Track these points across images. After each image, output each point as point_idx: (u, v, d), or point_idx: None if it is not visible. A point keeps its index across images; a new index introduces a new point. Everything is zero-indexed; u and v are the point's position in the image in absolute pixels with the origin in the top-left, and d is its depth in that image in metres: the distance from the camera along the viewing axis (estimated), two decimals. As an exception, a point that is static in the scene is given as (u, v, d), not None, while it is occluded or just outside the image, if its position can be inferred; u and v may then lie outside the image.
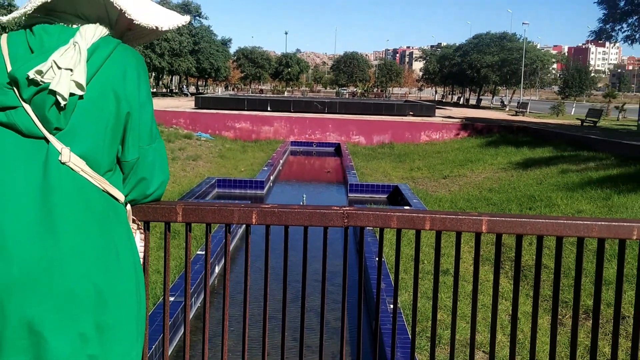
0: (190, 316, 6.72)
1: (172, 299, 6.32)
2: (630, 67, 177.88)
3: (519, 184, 14.99)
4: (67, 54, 1.58)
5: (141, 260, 1.82)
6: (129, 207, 1.82)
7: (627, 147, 17.15)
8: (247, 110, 30.32)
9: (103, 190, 1.65)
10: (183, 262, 7.96)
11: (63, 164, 1.58)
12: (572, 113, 42.37)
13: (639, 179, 12.90)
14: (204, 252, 8.03)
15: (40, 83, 1.55)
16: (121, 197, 1.72)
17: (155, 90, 59.61)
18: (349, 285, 2.33)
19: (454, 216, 2.08)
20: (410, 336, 2.35)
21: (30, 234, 1.53)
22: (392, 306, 2.27)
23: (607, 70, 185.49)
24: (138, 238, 1.85)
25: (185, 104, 35.51)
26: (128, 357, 1.66)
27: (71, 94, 1.57)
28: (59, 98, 1.55)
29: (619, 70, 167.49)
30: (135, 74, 1.70)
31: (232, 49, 74.34)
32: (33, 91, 1.56)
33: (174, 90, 61.19)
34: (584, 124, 28.56)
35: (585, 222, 2.05)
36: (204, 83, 76.37)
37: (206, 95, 43.91)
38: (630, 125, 30.94)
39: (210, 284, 2.23)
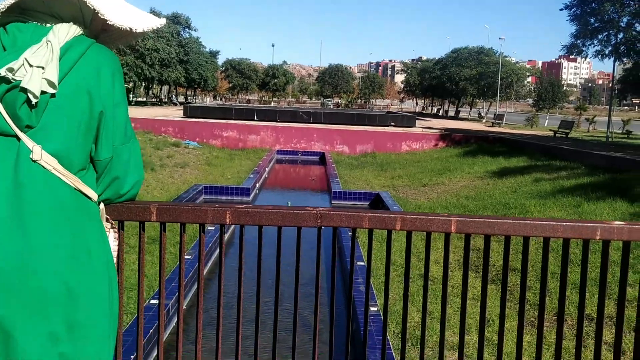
0: (166, 311, 6.96)
1: (154, 301, 6.35)
2: (600, 81, 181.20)
3: (495, 192, 15.70)
4: (39, 52, 1.58)
5: (115, 259, 1.81)
6: (102, 206, 1.81)
7: (596, 157, 17.95)
8: (234, 119, 30.81)
9: (75, 189, 1.64)
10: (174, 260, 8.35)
11: (34, 162, 1.56)
12: (546, 124, 43.59)
13: (607, 187, 13.52)
14: (189, 256, 7.97)
15: (12, 81, 1.55)
16: (94, 195, 1.71)
17: (145, 99, 59.86)
18: (328, 286, 2.62)
19: (424, 217, 2.13)
20: (383, 337, 2.37)
21: (0, 232, 1.51)
22: (372, 308, 2.32)
23: (578, 84, 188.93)
24: (112, 237, 1.84)
25: (174, 113, 35.95)
26: (100, 355, 1.65)
27: (43, 92, 1.56)
28: (30, 96, 1.54)
29: (590, 85, 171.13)
30: (110, 73, 1.69)
31: (220, 60, 75.17)
32: (4, 89, 1.56)
33: (163, 100, 61.57)
34: (557, 135, 29.54)
35: (551, 223, 2.12)
36: (192, 93, 76.85)
37: (194, 104, 44.46)
38: (599, 136, 32.02)
39: (187, 283, 2.31)
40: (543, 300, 2.24)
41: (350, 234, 2.31)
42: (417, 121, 35.31)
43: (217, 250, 10.52)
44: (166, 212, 2.12)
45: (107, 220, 1.84)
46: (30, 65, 1.55)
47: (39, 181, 1.57)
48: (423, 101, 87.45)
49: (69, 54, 1.61)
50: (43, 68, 1.55)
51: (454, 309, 6.93)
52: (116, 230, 1.91)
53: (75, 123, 1.62)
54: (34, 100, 1.55)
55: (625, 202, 11.96)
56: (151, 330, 5.74)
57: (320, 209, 2.17)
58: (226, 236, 10.06)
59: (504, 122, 42.00)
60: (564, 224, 2.15)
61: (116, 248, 1.87)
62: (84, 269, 1.60)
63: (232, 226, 10.71)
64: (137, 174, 1.88)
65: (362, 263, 8.60)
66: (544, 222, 2.15)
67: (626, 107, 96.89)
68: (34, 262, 1.52)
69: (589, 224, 2.16)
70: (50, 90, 1.57)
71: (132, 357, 4.97)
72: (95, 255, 1.65)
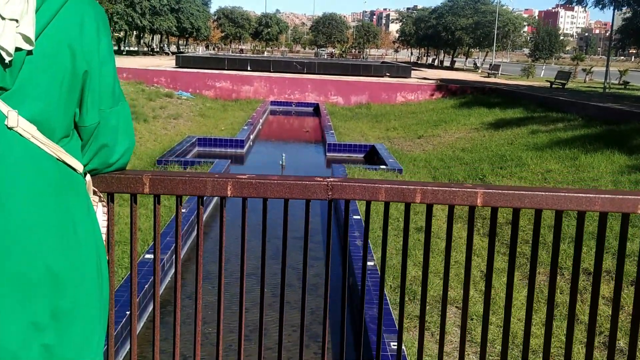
0: (161, 292, 6.87)
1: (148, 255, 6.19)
2: (597, 31, 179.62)
3: (491, 144, 15.62)
4: (12, 2, 1.34)
5: (104, 235, 1.65)
6: (88, 177, 1.62)
7: (593, 109, 17.82)
8: (227, 69, 30.41)
9: (58, 159, 1.45)
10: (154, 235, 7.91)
11: (10, 129, 1.37)
12: (542, 75, 43.24)
13: (604, 139, 13.43)
14: (173, 228, 7.28)
15: None
16: (79, 166, 1.52)
17: (136, 49, 58.99)
18: (338, 272, 2.28)
19: (446, 188, 1.97)
20: (397, 326, 2.24)
21: None
22: (380, 299, 2.17)
23: (575, 34, 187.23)
24: (100, 211, 1.66)
25: (166, 63, 35.46)
26: (88, 344, 1.51)
27: (18, 49, 1.35)
28: (3, 53, 1.33)
29: (587, 34, 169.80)
30: (94, 26, 1.49)
31: (212, 9, 74.01)
32: None
33: (155, 49, 60.70)
34: (553, 85, 29.32)
35: (588, 195, 1.96)
36: (185, 42, 75.91)
37: (187, 54, 43.82)
38: (596, 87, 31.82)
39: (181, 259, 2.14)
40: (576, 283, 2.08)
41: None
42: (412, 71, 34.95)
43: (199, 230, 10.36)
44: (160, 183, 1.93)
45: (94, 193, 1.66)
46: (3, 19, 1.33)
47: (17, 151, 1.37)
48: (418, 51, 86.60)
49: (47, 4, 1.39)
50: (17, 21, 1.34)
51: (477, 295, 6.53)
52: (105, 204, 1.73)
53: (56, 84, 1.41)
54: (7, 59, 1.33)
55: (622, 155, 11.89)
56: (146, 286, 5.70)
57: (331, 179, 1.98)
58: (208, 211, 9.62)
59: (499, 72, 41.64)
60: (602, 196, 1.97)
61: (105, 224, 1.70)
62: (70, 250, 1.44)
63: (214, 199, 10.44)
64: (128, 141, 1.68)
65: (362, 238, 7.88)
66: (580, 195, 1.97)
67: (622, 58, 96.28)
68: (13, 243, 1.36)
69: (629, 196, 1.97)
70: (26, 47, 1.35)
71: (128, 312, 4.93)
72: (82, 234, 1.49)
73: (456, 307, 6.19)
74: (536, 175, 11.56)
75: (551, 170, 11.69)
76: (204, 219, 2.04)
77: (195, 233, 7.47)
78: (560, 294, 6.48)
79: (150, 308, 5.72)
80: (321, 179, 1.98)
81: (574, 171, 11.38)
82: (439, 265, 7.05)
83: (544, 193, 1.97)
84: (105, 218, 1.72)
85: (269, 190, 1.95)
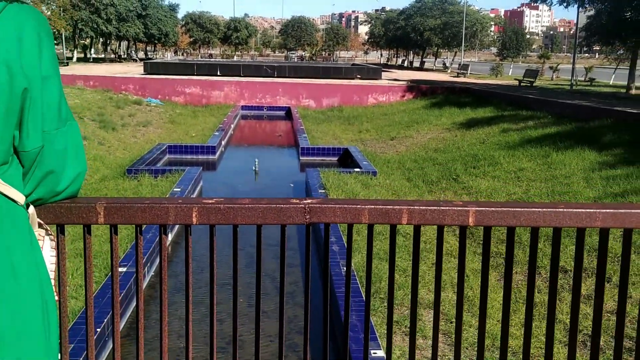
0: (122, 327, 6.36)
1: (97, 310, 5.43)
2: (562, 29, 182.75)
3: (463, 144, 15.71)
4: None
5: (52, 273, 1.46)
6: (32, 209, 1.44)
7: (562, 106, 18.02)
8: (196, 75, 30.21)
9: None
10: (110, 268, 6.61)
11: None
12: (510, 74, 43.76)
13: (574, 136, 13.58)
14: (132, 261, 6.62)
15: None
16: (20, 197, 1.34)
17: (103, 56, 58.23)
18: (319, 302, 2.00)
19: (435, 207, 1.83)
20: None
21: None
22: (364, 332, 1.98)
23: (540, 32, 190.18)
24: (47, 247, 1.48)
25: (134, 70, 35.04)
26: None
27: None
28: None
29: (552, 32, 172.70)
30: (35, 38, 1.33)
31: (180, 14, 73.44)
32: None
33: (122, 56, 60.00)
34: (522, 84, 29.66)
35: (588, 210, 1.83)
36: (153, 48, 75.20)
37: (155, 60, 43.40)
38: (563, 84, 32.29)
39: (143, 292, 1.93)
40: (576, 312, 1.91)
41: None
42: (382, 73, 35.07)
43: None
44: (117, 211, 1.73)
45: (39, 226, 1.47)
46: None
47: None
48: (388, 52, 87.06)
49: None
50: None
51: (470, 319, 5.93)
52: (53, 237, 1.53)
53: None
54: None
55: (593, 151, 12.01)
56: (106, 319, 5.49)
57: (309, 201, 1.81)
58: (170, 237, 8.90)
59: (469, 72, 41.99)
60: (604, 211, 1.82)
61: (54, 260, 1.51)
62: (8, 301, 1.25)
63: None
64: (78, 166, 1.50)
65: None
66: (580, 210, 1.82)
67: (587, 55, 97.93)
68: None
69: (634, 210, 1.83)
70: None
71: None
72: (23, 278, 1.28)
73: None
74: (509, 174, 11.62)
75: (524, 169, 11.76)
76: (168, 241, 1.89)
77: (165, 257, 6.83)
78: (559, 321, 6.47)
79: (109, 348, 5.42)
80: (297, 201, 1.81)
81: (546, 169, 11.46)
82: (427, 277, 6.92)
83: (541, 209, 1.83)
84: (54, 254, 1.52)
85: (239, 216, 1.77)
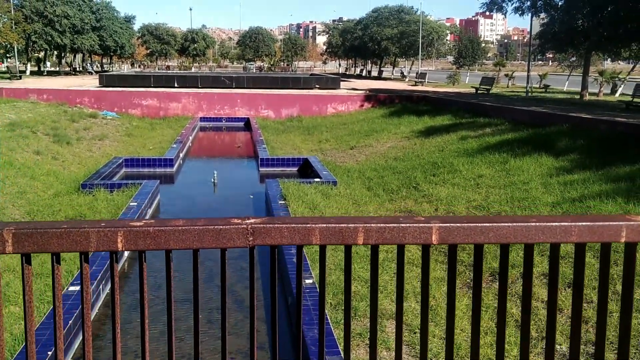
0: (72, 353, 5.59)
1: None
2: (516, 37, 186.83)
3: (422, 152, 15.76)
4: None
5: None
6: None
7: (519, 113, 18.23)
8: (153, 87, 29.75)
9: None
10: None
11: None
12: (467, 82, 44.40)
13: (531, 142, 13.74)
14: (74, 288, 6.13)
15: None
16: None
17: (57, 69, 57.04)
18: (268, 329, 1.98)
19: (394, 224, 1.66)
20: None
21: None
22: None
23: (495, 40, 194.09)
24: None
25: (90, 82, 34.36)
26: None
27: None
28: None
29: (506, 41, 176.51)
30: None
31: (136, 26, 72.33)
32: None
33: (77, 69, 58.85)
34: (478, 91, 30.08)
35: (562, 224, 1.70)
36: (109, 60, 73.96)
37: (111, 72, 42.69)
38: (519, 91, 32.88)
39: (90, 326, 1.70)
40: (552, 333, 1.78)
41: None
42: (341, 82, 35.15)
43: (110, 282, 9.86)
44: (28, 238, 1.52)
45: None
46: None
47: None
48: (346, 62, 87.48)
49: None
50: None
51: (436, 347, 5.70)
52: None
53: None
54: None
55: (550, 157, 12.15)
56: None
57: (252, 221, 1.61)
58: (122, 261, 8.55)
59: (426, 80, 42.43)
60: (579, 224, 1.68)
61: None
62: None
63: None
64: None
65: (311, 282, 6.93)
66: (554, 224, 1.68)
67: (540, 62, 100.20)
68: None
69: (611, 223, 1.70)
70: None
71: None
72: None
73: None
74: (468, 181, 11.66)
75: (483, 175, 11.82)
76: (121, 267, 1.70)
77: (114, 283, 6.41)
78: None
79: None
80: (239, 221, 1.61)
81: (505, 175, 11.53)
82: (389, 287, 6.86)
83: (511, 224, 1.67)
84: None
85: (172, 240, 1.56)
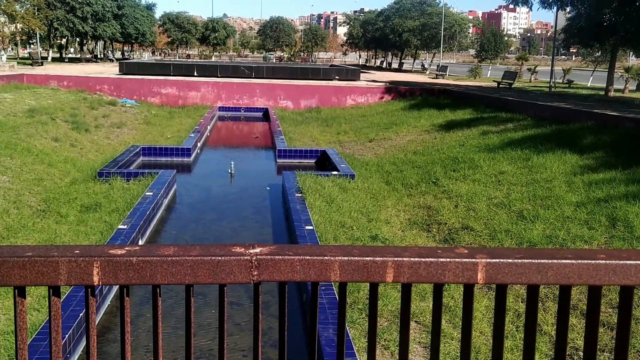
0: None
1: None
2: (539, 31, 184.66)
3: (442, 146, 15.50)
4: None
5: None
6: None
7: (542, 108, 17.93)
8: (173, 75, 29.69)
9: None
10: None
11: None
12: (488, 75, 43.87)
13: (555, 139, 13.42)
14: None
15: None
16: None
17: (79, 55, 57.35)
18: None
19: (432, 259, 1.35)
20: None
21: None
22: None
23: (517, 34, 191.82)
24: None
25: (110, 70, 34.42)
26: None
27: None
28: None
29: (529, 35, 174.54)
30: None
31: (158, 14, 72.56)
32: None
33: (98, 56, 59.16)
34: (500, 85, 29.64)
35: (636, 262, 1.37)
36: (130, 48, 74.25)
37: (131, 60, 42.73)
38: (542, 86, 32.34)
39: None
40: None
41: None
42: (361, 74, 34.87)
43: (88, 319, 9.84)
44: None
45: None
46: None
47: None
48: (366, 53, 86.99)
49: None
50: None
51: None
52: None
53: None
54: None
55: (574, 154, 11.86)
56: None
57: (258, 250, 1.31)
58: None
59: (447, 73, 41.96)
60: None
61: None
62: None
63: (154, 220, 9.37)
64: None
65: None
66: (628, 262, 1.35)
67: (564, 57, 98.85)
68: None
69: None
70: None
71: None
72: None
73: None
74: (489, 178, 11.42)
75: (504, 172, 11.57)
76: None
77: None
78: None
79: None
80: (242, 251, 1.32)
81: (527, 172, 11.28)
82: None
83: (575, 261, 1.35)
84: None
85: (159, 273, 1.28)
